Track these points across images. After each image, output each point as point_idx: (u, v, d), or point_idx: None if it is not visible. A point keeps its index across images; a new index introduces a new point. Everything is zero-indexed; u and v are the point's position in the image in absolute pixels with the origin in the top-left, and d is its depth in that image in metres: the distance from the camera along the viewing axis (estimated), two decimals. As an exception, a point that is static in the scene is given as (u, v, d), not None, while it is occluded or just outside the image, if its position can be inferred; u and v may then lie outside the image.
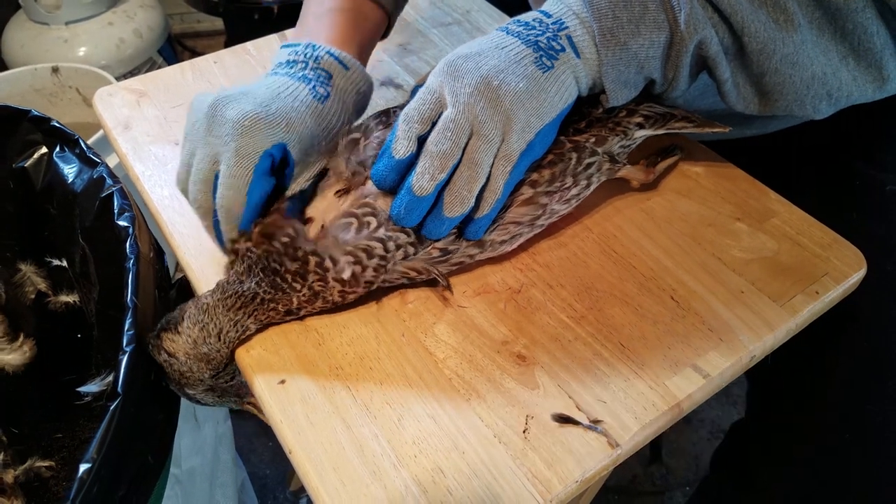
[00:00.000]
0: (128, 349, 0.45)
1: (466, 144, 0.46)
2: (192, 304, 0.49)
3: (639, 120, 0.53)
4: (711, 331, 0.48)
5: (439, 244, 0.49)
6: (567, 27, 0.49)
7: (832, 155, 0.71)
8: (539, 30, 0.49)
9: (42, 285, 0.68)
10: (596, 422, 0.43)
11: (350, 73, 0.55)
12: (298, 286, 0.47)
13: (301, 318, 0.50)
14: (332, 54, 0.54)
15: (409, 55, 0.73)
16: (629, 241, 0.54)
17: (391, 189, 0.47)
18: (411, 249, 0.48)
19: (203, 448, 0.63)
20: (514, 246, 0.52)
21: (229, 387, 0.52)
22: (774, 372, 0.64)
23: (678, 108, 0.56)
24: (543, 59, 0.48)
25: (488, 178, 0.47)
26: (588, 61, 0.49)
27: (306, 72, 0.53)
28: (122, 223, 0.52)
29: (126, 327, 0.46)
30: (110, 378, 0.59)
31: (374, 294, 0.51)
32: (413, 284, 0.51)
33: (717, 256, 0.53)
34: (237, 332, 0.48)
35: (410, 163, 0.46)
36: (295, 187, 0.51)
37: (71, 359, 0.65)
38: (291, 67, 0.53)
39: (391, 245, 0.47)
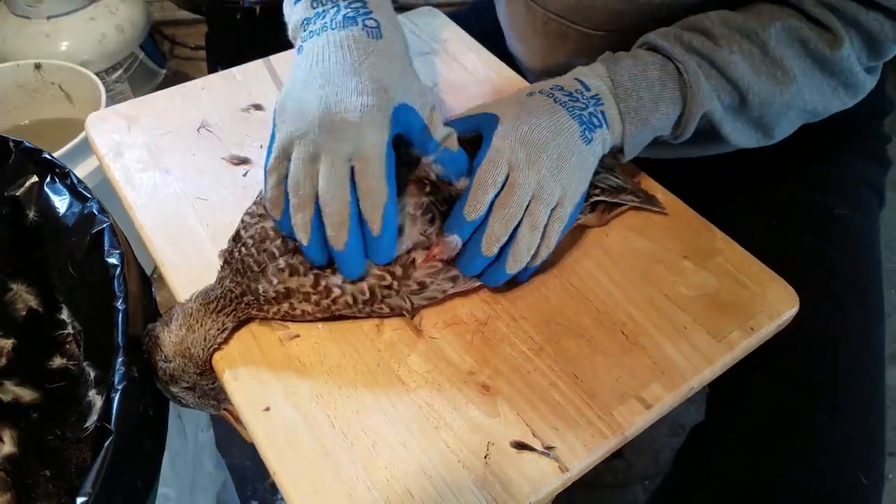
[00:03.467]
0: (119, 387, 0.49)
1: (528, 206, 0.53)
2: (178, 308, 0.54)
3: (596, 191, 0.61)
4: (655, 364, 0.54)
5: (418, 276, 0.54)
6: (603, 103, 0.57)
7: (780, 179, 0.77)
8: (582, 103, 0.57)
9: (33, 302, 0.72)
10: (549, 448, 0.49)
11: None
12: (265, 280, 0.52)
13: (278, 316, 0.54)
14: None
15: (388, 84, 0.77)
16: (587, 276, 0.59)
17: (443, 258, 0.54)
18: (393, 293, 0.53)
19: (185, 457, 0.68)
20: (479, 283, 0.57)
21: (210, 390, 0.57)
22: (730, 378, 0.69)
23: (630, 182, 0.64)
24: (586, 132, 0.56)
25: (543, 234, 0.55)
26: (615, 133, 0.58)
27: (345, 10, 0.52)
28: (111, 261, 0.55)
29: (117, 366, 0.50)
30: (98, 405, 0.63)
31: (353, 325, 0.55)
32: (389, 315, 0.56)
33: (665, 293, 0.58)
34: (217, 331, 0.53)
35: (480, 221, 0.53)
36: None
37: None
38: (323, 17, 0.52)
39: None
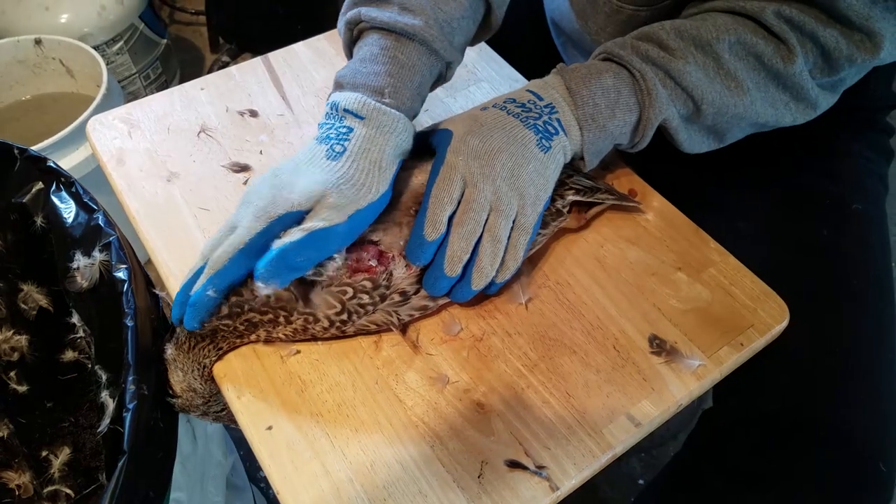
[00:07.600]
0: (130, 406, 0.51)
1: (486, 220, 0.54)
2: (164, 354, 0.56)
3: (570, 192, 0.61)
4: (646, 380, 0.55)
5: (401, 287, 0.55)
6: (557, 111, 0.57)
7: (794, 168, 0.77)
8: (535, 112, 0.57)
9: (43, 301, 0.74)
10: (541, 467, 0.51)
11: (367, 122, 0.55)
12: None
13: (261, 340, 0.56)
14: (347, 110, 0.55)
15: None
16: (581, 290, 0.60)
17: (424, 266, 0.55)
18: (371, 308, 0.54)
19: (195, 458, 0.70)
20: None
21: (222, 414, 0.60)
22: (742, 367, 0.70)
23: (602, 182, 0.64)
24: (543, 140, 0.57)
25: (507, 247, 0.55)
26: (573, 140, 0.59)
27: (330, 131, 0.55)
28: (119, 276, 0.57)
29: (128, 385, 0.52)
30: (111, 407, 0.65)
31: (353, 341, 0.57)
32: (377, 331, 0.57)
33: (657, 306, 0.59)
34: (203, 367, 0.55)
35: (441, 240, 0.54)
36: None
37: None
38: (321, 128, 0.57)
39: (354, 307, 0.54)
